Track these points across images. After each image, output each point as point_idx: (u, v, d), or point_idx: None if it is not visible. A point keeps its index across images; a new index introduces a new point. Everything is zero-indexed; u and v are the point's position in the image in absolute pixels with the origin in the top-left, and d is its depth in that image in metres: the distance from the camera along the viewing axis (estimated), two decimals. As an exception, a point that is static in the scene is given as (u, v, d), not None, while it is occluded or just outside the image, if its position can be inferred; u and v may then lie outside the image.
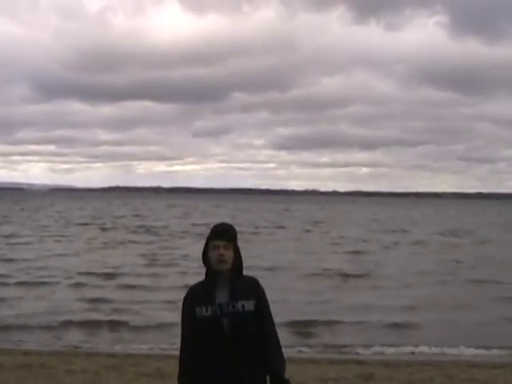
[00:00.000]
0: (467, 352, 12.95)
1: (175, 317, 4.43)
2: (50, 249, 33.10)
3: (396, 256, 32.00)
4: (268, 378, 4.09)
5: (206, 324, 4.00)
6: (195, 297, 4.08)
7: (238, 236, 4.15)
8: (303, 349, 12.92)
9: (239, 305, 4.01)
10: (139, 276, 23.29)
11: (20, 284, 21.18)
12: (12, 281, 21.71)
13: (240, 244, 4.14)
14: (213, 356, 4.02)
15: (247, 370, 4.01)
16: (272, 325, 4.13)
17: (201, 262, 4.15)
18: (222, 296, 4.03)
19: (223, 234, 4.08)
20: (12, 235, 40.85)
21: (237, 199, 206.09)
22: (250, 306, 4.03)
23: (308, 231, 51.19)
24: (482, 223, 70.13)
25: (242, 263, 4.13)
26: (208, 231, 4.11)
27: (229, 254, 4.04)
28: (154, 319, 15.61)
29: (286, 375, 4.11)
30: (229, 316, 3.99)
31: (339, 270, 25.31)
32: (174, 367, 9.96)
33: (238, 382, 4.00)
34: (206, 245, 4.11)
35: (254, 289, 4.11)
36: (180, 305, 4.17)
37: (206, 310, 4.00)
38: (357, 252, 33.53)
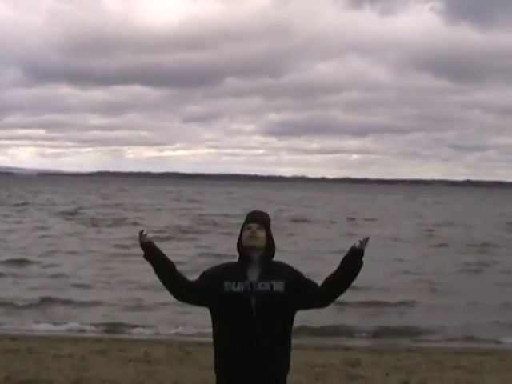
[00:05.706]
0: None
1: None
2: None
3: None
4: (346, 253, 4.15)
5: (233, 299, 4.02)
6: (225, 272, 4.12)
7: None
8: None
9: (268, 284, 4.04)
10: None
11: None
12: None
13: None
14: (236, 336, 4.01)
15: (269, 350, 4.02)
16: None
17: None
18: (252, 275, 4.06)
19: (256, 218, 4.20)
20: None
21: (228, 185, 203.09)
22: (279, 286, 4.06)
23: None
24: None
25: (274, 249, 4.20)
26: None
27: (261, 233, 4.12)
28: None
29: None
30: (257, 294, 4.02)
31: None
32: (161, 352, 9.99)
33: (258, 362, 4.00)
34: (241, 232, 4.18)
35: (285, 271, 4.16)
36: None
37: (236, 286, 4.03)
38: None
